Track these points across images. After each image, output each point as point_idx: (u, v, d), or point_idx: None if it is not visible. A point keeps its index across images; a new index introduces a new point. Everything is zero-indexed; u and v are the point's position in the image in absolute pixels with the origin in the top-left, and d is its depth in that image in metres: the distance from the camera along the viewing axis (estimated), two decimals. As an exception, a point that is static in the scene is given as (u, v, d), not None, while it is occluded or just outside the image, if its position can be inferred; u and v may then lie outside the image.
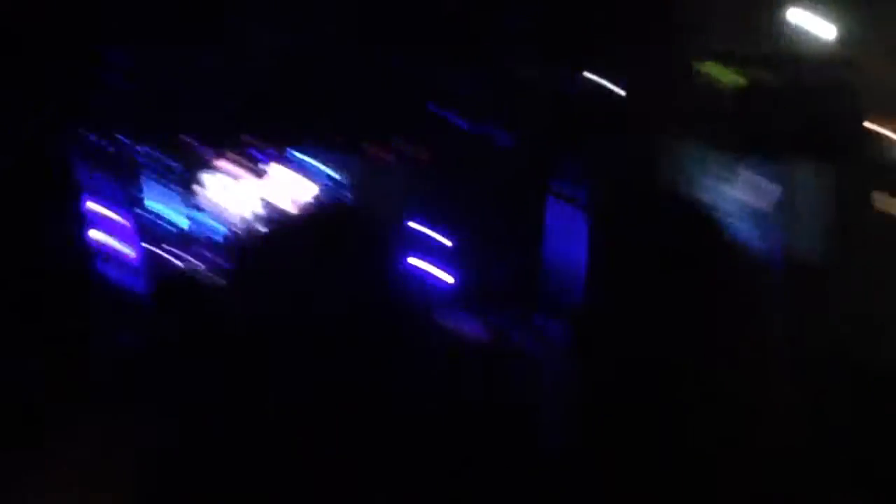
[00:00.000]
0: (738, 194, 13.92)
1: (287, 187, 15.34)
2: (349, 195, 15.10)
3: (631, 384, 1.76)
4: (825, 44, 11.71)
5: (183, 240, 15.43)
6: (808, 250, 13.04)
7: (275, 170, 15.41)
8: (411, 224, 14.08)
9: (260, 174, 15.51)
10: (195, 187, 15.66)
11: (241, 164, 15.50)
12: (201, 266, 14.65)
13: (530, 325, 11.24)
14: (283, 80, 14.34)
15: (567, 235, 11.62)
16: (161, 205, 15.47)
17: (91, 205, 14.80)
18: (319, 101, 13.97)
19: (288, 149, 15.46)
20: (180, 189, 15.63)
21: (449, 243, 13.19)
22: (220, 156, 15.38)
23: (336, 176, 15.21)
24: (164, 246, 15.25)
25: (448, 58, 13.15)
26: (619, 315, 1.95)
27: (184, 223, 15.61)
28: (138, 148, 15.52)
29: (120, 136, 15.12)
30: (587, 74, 13.47)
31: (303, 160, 15.28)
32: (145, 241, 15.07)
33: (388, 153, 14.77)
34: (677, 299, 1.99)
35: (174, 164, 15.55)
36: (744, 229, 13.62)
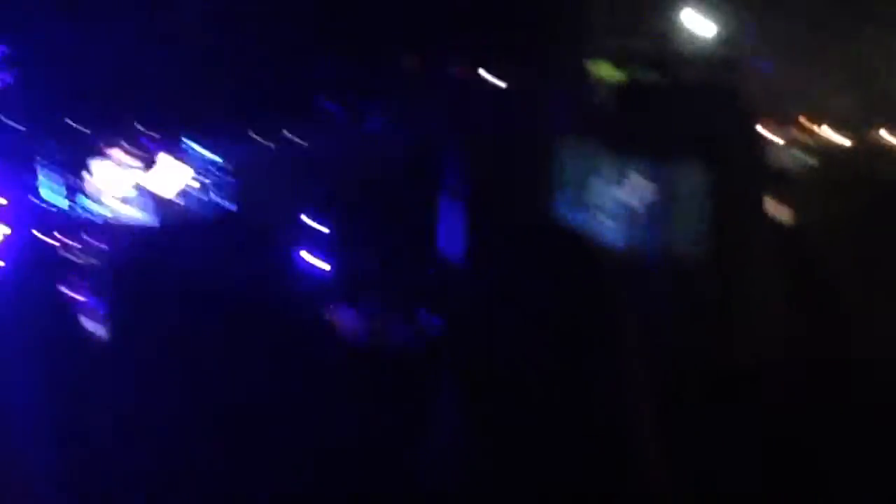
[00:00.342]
0: (619, 194, 14.02)
1: (175, 175, 15.22)
2: (236, 185, 14.99)
3: (502, 386, 1.74)
4: (711, 45, 11.87)
5: (70, 226, 15.22)
6: (687, 251, 13.17)
7: (163, 158, 15.27)
8: (297, 215, 13.99)
9: (148, 162, 15.37)
10: (83, 174, 15.49)
11: (129, 153, 15.35)
12: (82, 252, 14.43)
13: (412, 321, 11.22)
14: (175, 68, 14.21)
15: (451, 231, 11.60)
16: (48, 190, 15.28)
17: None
18: (209, 90, 13.85)
19: (177, 137, 15.34)
20: (67, 175, 15.44)
21: (330, 234, 13.13)
22: (110, 143, 15.23)
23: (222, 165, 15.10)
24: (50, 231, 15.04)
25: (337, 52, 13.13)
26: (489, 315, 1.92)
27: (70, 209, 15.43)
28: (28, 134, 15.34)
29: (9, 123, 14.93)
30: (477, 71, 13.52)
31: (190, 148, 15.16)
32: (31, 226, 14.86)
33: (274, 143, 14.71)
34: (550, 301, 1.98)
35: (62, 151, 15.37)
36: (623, 229, 13.72)
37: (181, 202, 14.83)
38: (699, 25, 11.71)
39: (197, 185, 14.85)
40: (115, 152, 14.79)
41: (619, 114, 7.64)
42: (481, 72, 13.77)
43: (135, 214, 14.85)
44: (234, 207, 15.33)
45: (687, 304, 8.04)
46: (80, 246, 15.22)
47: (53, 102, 14.38)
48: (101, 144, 14.81)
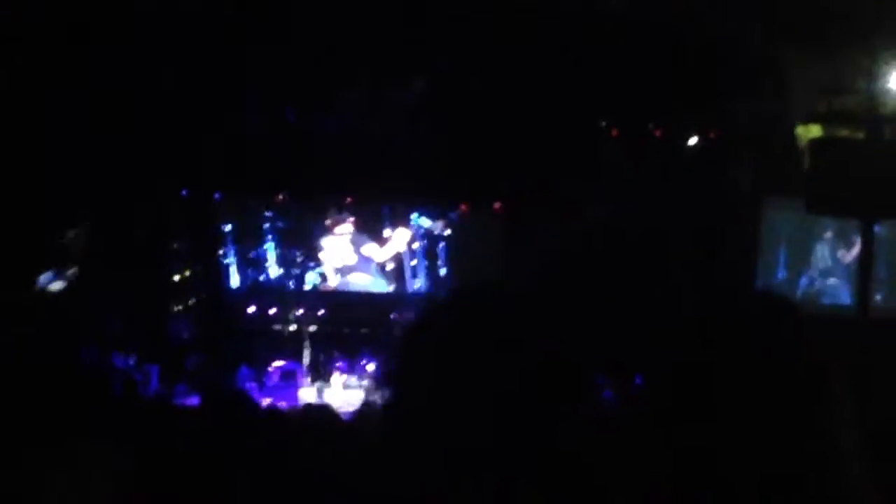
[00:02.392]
0: (828, 251, 13.89)
1: (396, 243, 15.58)
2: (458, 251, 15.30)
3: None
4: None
5: (293, 297, 15.72)
6: (890, 307, 12.92)
7: (389, 229, 15.62)
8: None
9: (375, 234, 15.74)
10: (312, 247, 15.93)
11: (356, 224, 15.72)
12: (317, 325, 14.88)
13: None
14: (399, 140, 14.57)
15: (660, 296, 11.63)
16: (278, 265, 15.83)
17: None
18: (434, 160, 14.17)
19: (402, 208, 15.70)
20: (295, 249, 15.91)
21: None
22: (336, 216, 15.61)
23: (435, 231, 15.47)
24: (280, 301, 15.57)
25: (534, 125, 13.33)
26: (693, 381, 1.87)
27: (303, 282, 15.91)
28: (257, 209, 15.89)
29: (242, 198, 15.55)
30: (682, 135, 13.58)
31: (414, 218, 15.52)
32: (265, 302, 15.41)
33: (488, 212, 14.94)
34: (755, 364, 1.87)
35: (290, 225, 15.85)
36: (832, 287, 13.56)
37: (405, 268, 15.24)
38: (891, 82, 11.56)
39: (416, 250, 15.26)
40: (342, 224, 15.20)
41: (826, 172, 7.65)
42: (685, 136, 13.83)
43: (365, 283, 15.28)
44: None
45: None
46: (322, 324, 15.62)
47: (281, 178, 14.86)
48: (329, 217, 15.24)
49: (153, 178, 14.08)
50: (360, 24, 13.00)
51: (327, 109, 14.32)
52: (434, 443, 1.68)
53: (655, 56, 12.58)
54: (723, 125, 13.75)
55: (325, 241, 15.25)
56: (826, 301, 13.28)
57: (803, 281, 13.55)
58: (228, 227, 15.44)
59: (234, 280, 15.50)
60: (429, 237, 15.43)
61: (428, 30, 13.15)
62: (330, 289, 15.25)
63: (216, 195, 15.28)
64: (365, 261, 15.23)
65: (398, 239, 15.18)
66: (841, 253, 13.36)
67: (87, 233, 13.29)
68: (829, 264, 13.44)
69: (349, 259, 15.24)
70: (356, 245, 15.18)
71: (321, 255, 15.33)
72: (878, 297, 12.20)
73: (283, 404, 11.98)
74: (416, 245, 15.36)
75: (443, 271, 15.34)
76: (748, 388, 1.77)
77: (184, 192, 15.18)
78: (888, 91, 11.25)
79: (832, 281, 13.48)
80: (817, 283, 13.53)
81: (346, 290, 15.24)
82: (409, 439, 1.71)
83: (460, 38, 13.22)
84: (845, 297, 13.37)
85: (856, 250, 13.24)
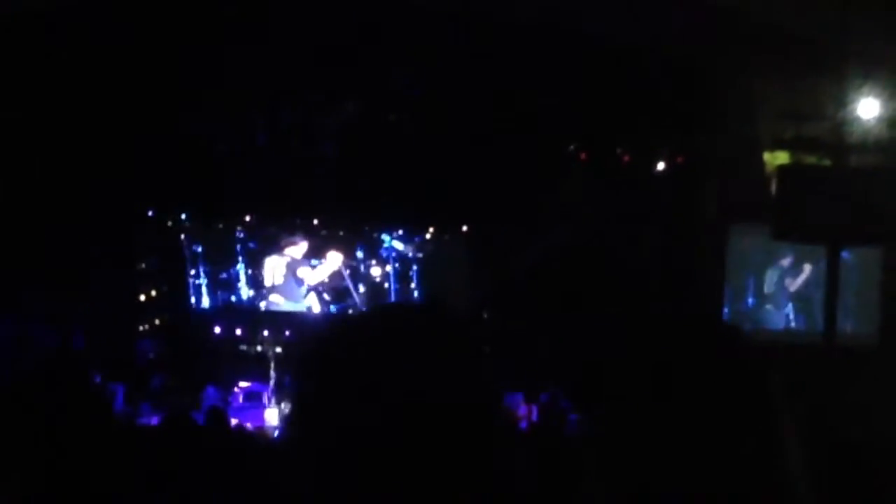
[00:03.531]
0: (791, 278, 13.97)
1: (329, 266, 15.66)
2: (419, 273, 15.34)
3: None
4: (870, 128, 11.76)
5: (256, 319, 15.71)
6: (852, 334, 13.01)
7: (345, 250, 15.68)
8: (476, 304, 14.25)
9: (318, 255, 15.79)
10: (268, 267, 15.97)
11: (314, 243, 15.76)
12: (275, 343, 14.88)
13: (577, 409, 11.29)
14: (355, 161, 14.64)
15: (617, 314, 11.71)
16: (248, 285, 15.83)
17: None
18: (390, 181, 14.24)
19: (351, 230, 15.78)
20: (254, 269, 15.94)
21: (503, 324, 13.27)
22: (293, 235, 15.65)
23: (408, 254, 15.50)
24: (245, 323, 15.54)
25: (504, 142, 13.41)
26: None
27: (259, 303, 15.93)
28: (227, 230, 15.92)
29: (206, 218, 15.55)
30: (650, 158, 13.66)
31: (376, 238, 15.57)
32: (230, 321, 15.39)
33: (451, 234, 14.99)
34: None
35: (250, 245, 15.88)
36: (790, 314, 13.64)
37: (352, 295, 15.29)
38: (869, 111, 11.63)
39: (378, 274, 15.28)
40: (290, 246, 15.25)
41: (794, 199, 7.67)
42: (652, 158, 13.91)
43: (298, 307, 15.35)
44: (417, 295, 15.68)
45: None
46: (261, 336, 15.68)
47: (242, 197, 14.90)
48: (287, 238, 15.27)
49: (121, 197, 14.09)
50: (326, 44, 13.08)
51: (297, 131, 14.37)
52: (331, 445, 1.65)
53: (624, 80, 12.67)
54: (690, 151, 13.84)
55: (267, 261, 15.34)
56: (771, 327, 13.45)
57: (768, 307, 13.64)
58: (199, 248, 15.46)
59: (204, 300, 15.50)
60: (401, 261, 15.47)
61: (392, 49, 13.24)
62: (283, 310, 15.35)
63: (183, 215, 15.28)
64: (296, 283, 15.34)
65: (330, 262, 15.26)
66: (787, 281, 13.49)
67: (54, 250, 13.26)
68: (773, 290, 13.60)
69: (277, 280, 15.35)
70: (291, 267, 15.24)
71: (261, 275, 15.42)
72: (846, 325, 12.29)
73: (248, 425, 11.97)
74: (388, 268, 15.41)
75: (415, 294, 15.38)
76: (697, 414, 1.76)
77: (150, 213, 15.21)
78: (855, 118, 11.33)
79: (769, 307, 13.63)
80: (768, 308, 13.65)
81: (274, 310, 15.39)
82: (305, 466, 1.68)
83: (427, 58, 13.30)
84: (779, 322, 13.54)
85: (802, 277, 13.42)
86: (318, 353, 1.70)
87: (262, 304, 15.40)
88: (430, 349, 1.67)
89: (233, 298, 15.62)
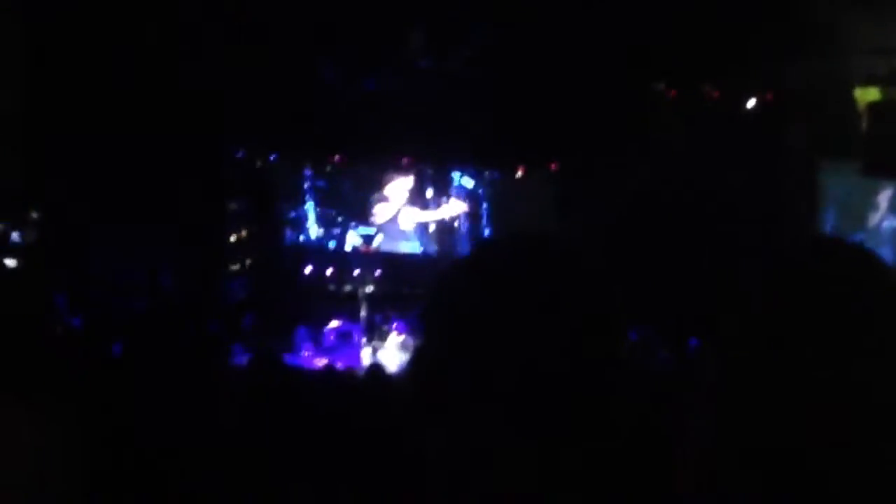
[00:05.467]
0: (883, 214, 13.78)
1: (450, 208, 15.63)
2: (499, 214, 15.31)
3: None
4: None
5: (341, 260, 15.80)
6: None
7: (434, 192, 15.67)
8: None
9: (419, 195, 15.77)
10: (358, 209, 16.01)
11: (402, 185, 15.76)
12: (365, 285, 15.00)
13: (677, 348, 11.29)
14: (441, 103, 14.59)
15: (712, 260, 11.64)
16: (324, 226, 15.89)
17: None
18: (482, 123, 14.19)
19: (445, 168, 15.74)
20: (345, 211, 15.98)
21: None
22: (384, 176, 15.67)
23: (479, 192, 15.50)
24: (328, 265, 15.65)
25: (598, 84, 13.30)
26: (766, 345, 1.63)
27: (346, 244, 15.99)
28: (303, 170, 15.98)
29: (285, 158, 15.63)
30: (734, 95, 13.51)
31: (460, 180, 15.55)
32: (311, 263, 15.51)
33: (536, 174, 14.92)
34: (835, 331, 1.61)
35: (339, 185, 15.92)
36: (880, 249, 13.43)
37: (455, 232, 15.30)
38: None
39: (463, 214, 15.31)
40: (391, 187, 15.27)
41: (884, 135, 7.60)
42: (741, 95, 13.71)
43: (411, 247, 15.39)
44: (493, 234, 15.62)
45: None
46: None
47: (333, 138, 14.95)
48: (378, 180, 15.30)
49: (211, 138, 14.21)
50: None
51: (383, 72, 14.38)
52: (464, 393, 1.63)
53: (714, 16, 12.51)
54: (779, 87, 13.65)
55: (374, 203, 15.38)
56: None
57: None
58: (288, 188, 15.62)
59: (294, 240, 15.63)
60: (471, 198, 15.47)
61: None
62: (372, 250, 15.42)
63: (272, 156, 15.38)
64: (405, 223, 15.41)
65: (452, 207, 15.28)
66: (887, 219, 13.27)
67: (146, 191, 13.39)
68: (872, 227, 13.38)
69: (372, 219, 15.50)
70: (401, 207, 15.30)
71: (370, 217, 15.45)
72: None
73: (339, 364, 12.11)
74: (462, 206, 15.43)
75: (486, 232, 15.47)
76: (828, 353, 1.61)
77: (239, 154, 15.32)
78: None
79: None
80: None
81: (388, 251, 15.52)
82: (438, 390, 1.66)
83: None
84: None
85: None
86: (450, 296, 1.69)
87: (352, 244, 15.50)
88: (569, 283, 1.65)
89: (322, 238, 15.79)
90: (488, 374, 1.60)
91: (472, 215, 15.36)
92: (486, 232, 15.32)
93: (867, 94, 12.15)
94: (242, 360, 11.75)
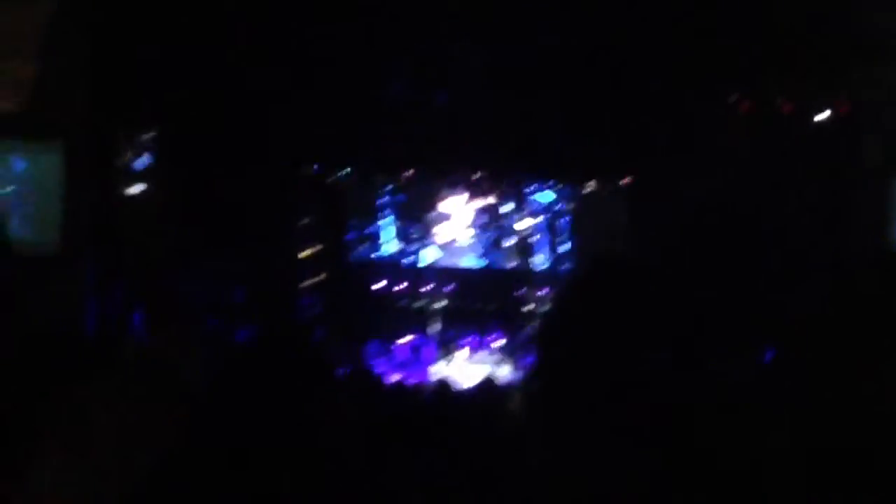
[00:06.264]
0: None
1: (518, 223, 15.60)
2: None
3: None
4: None
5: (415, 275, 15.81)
6: None
7: (504, 203, 15.66)
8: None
9: (491, 208, 15.77)
10: (427, 222, 16.01)
11: (471, 198, 15.77)
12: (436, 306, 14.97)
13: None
14: (510, 114, 14.60)
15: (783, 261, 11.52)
16: (394, 241, 15.93)
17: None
18: (551, 135, 14.17)
19: (519, 183, 15.72)
20: (412, 224, 16.00)
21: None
22: (452, 190, 15.68)
23: (559, 207, 15.45)
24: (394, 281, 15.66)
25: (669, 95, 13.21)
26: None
27: (419, 259, 16.00)
28: (372, 184, 16.03)
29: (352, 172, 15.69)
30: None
31: (530, 192, 15.53)
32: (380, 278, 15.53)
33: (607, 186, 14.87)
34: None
35: (411, 200, 15.94)
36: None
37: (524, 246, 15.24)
38: None
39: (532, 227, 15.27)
40: (456, 199, 15.26)
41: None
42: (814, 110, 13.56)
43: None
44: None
45: None
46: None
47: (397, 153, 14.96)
48: (449, 194, 15.29)
49: (283, 153, 14.27)
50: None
51: (455, 85, 14.36)
52: (587, 407, 1.67)
53: (787, 27, 12.39)
54: (854, 98, 13.50)
55: (439, 217, 15.37)
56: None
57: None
58: (358, 204, 15.59)
59: (364, 256, 15.65)
60: (548, 213, 15.42)
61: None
62: (442, 265, 15.38)
63: (344, 171, 15.42)
64: (476, 238, 15.35)
65: (525, 222, 15.23)
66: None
67: (217, 207, 13.45)
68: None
69: (441, 235, 15.41)
70: (472, 222, 15.27)
71: (435, 231, 15.44)
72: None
73: (411, 380, 12.09)
74: (537, 221, 15.38)
75: (564, 247, 15.37)
76: None
77: (315, 168, 15.38)
78: None
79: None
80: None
81: (460, 266, 15.42)
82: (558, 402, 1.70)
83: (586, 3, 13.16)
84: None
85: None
86: (570, 319, 1.72)
87: (424, 259, 15.49)
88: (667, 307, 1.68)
89: (393, 254, 15.77)
90: (609, 389, 1.63)
91: (547, 230, 15.28)
92: (563, 248, 15.22)
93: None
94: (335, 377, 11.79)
